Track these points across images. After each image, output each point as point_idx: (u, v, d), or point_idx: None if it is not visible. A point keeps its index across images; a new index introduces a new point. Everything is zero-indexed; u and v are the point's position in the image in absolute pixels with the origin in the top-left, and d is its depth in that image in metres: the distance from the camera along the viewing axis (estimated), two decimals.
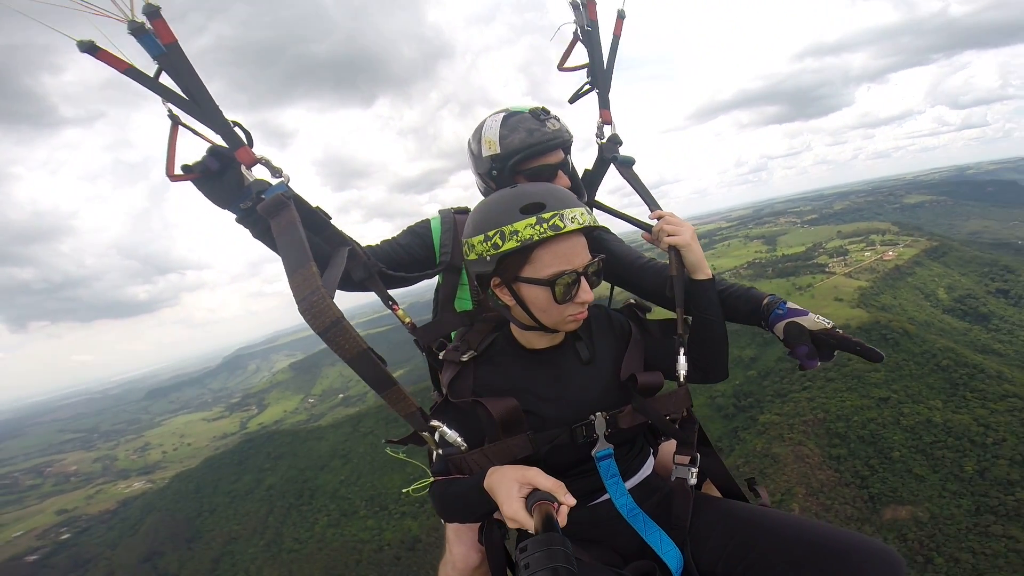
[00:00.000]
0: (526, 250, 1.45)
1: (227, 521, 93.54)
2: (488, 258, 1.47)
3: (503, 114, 2.09)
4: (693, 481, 1.64)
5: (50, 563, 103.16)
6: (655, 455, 1.91)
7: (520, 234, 1.42)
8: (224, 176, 1.53)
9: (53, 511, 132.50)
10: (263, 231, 1.58)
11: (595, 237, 2.07)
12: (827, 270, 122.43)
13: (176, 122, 1.50)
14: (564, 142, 2.09)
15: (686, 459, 1.68)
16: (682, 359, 1.71)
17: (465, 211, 2.20)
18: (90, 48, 1.33)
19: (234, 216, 1.59)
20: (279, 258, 1.45)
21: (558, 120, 2.10)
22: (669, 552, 1.52)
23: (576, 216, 1.45)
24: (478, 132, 2.14)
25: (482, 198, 1.89)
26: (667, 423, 1.69)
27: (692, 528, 1.59)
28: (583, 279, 1.50)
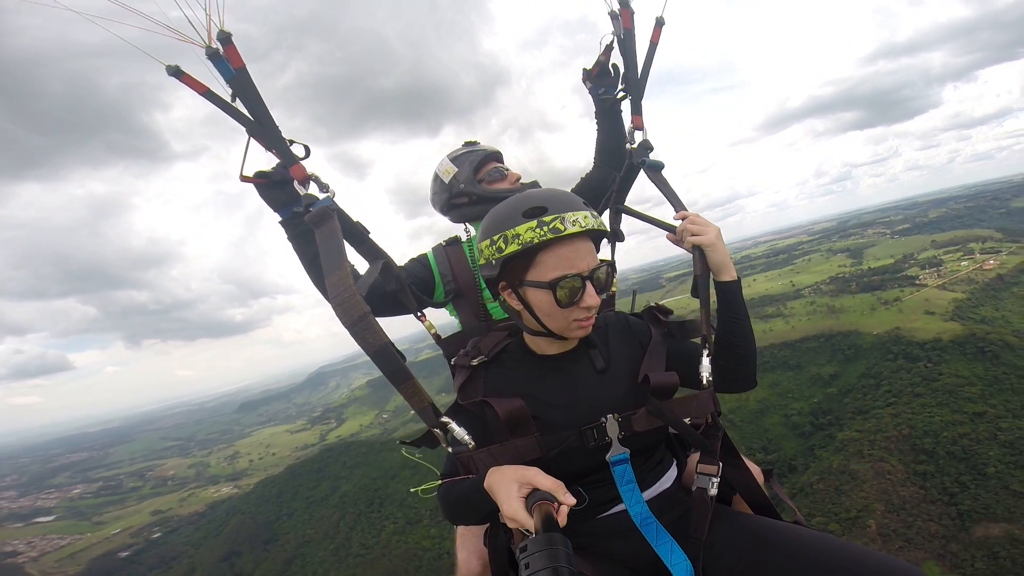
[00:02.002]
0: (528, 253, 1.45)
1: (302, 525, 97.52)
2: (494, 262, 1.49)
3: (446, 154, 2.51)
4: (713, 492, 1.53)
5: (139, 559, 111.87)
6: (682, 468, 1.83)
7: (521, 237, 1.42)
8: (287, 185, 1.79)
9: (149, 512, 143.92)
10: (297, 235, 1.89)
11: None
12: (917, 282, 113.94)
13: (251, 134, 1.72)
14: (496, 154, 2.53)
15: (709, 469, 1.56)
16: (706, 361, 1.61)
17: (455, 241, 2.46)
18: (176, 72, 1.51)
19: (279, 218, 1.88)
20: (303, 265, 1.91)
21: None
22: (678, 564, 1.43)
23: (578, 219, 1.43)
24: (434, 180, 2.53)
25: (464, 227, 2.50)
26: (687, 427, 1.57)
27: (707, 542, 1.49)
28: (588, 283, 1.47)
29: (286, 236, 1.89)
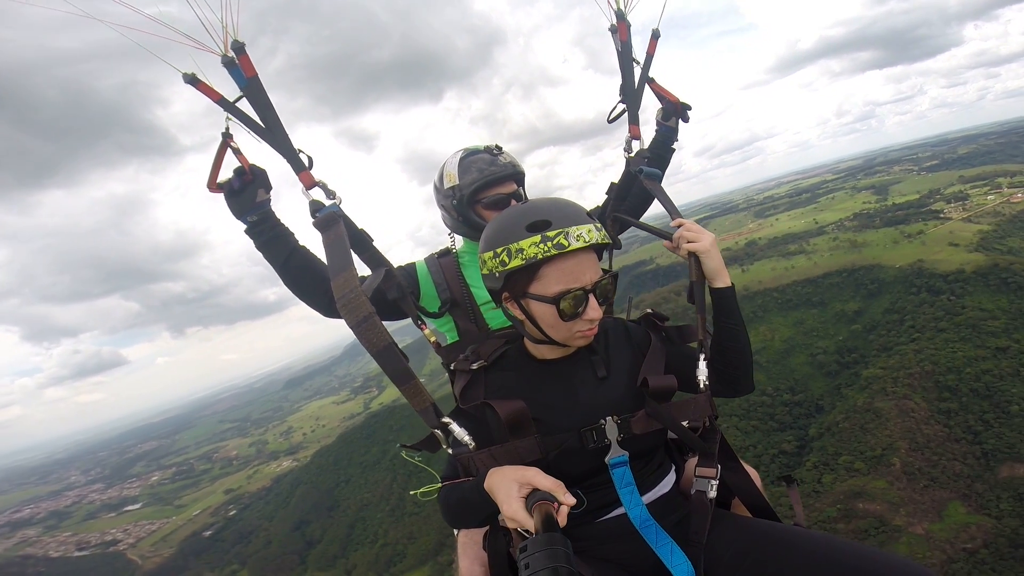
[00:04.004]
0: (532, 268, 1.44)
1: (360, 490, 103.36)
2: (497, 274, 1.49)
3: (462, 152, 2.33)
4: (712, 495, 1.55)
5: (221, 537, 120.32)
6: (681, 473, 1.82)
7: (525, 252, 1.41)
8: (243, 194, 1.81)
9: (222, 491, 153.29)
10: (265, 243, 1.89)
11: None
12: (942, 216, 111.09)
13: (225, 141, 1.74)
14: (515, 175, 2.32)
15: (707, 472, 1.58)
16: (703, 365, 1.64)
17: (446, 253, 2.40)
18: (192, 80, 1.59)
19: (244, 228, 1.87)
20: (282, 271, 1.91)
21: (510, 155, 2.34)
22: (679, 566, 1.42)
23: (582, 234, 1.43)
24: (441, 169, 2.37)
25: (447, 232, 2.41)
26: (684, 430, 1.57)
27: (708, 544, 1.49)
28: (591, 296, 1.47)
29: (254, 245, 1.90)
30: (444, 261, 2.37)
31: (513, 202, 2.30)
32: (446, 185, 2.32)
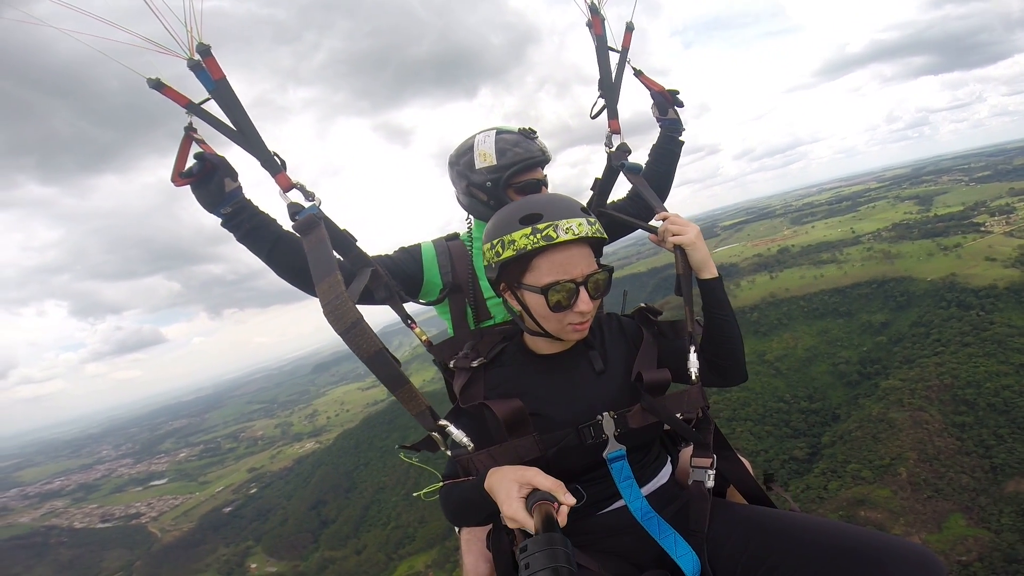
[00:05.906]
0: (523, 259, 1.48)
1: (378, 473, 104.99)
2: (493, 265, 1.54)
3: (494, 131, 2.21)
4: (710, 484, 1.55)
5: (240, 513, 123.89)
6: (676, 464, 1.84)
7: (516, 243, 1.46)
8: (209, 184, 1.71)
9: (245, 470, 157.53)
10: (245, 235, 1.81)
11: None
12: (983, 229, 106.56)
13: (188, 134, 1.66)
14: (547, 161, 2.25)
15: (703, 462, 1.59)
16: (693, 357, 1.65)
17: (454, 237, 2.34)
18: (157, 85, 1.53)
19: (220, 222, 1.78)
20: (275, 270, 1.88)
21: (541, 140, 2.27)
22: (684, 556, 1.44)
23: (572, 227, 1.45)
24: (467, 148, 2.23)
25: (464, 214, 2.35)
26: (679, 422, 1.62)
27: (709, 534, 1.49)
28: (582, 289, 1.49)
29: (235, 238, 1.83)
30: (453, 245, 2.31)
31: (544, 189, 2.26)
32: (479, 164, 2.19)
